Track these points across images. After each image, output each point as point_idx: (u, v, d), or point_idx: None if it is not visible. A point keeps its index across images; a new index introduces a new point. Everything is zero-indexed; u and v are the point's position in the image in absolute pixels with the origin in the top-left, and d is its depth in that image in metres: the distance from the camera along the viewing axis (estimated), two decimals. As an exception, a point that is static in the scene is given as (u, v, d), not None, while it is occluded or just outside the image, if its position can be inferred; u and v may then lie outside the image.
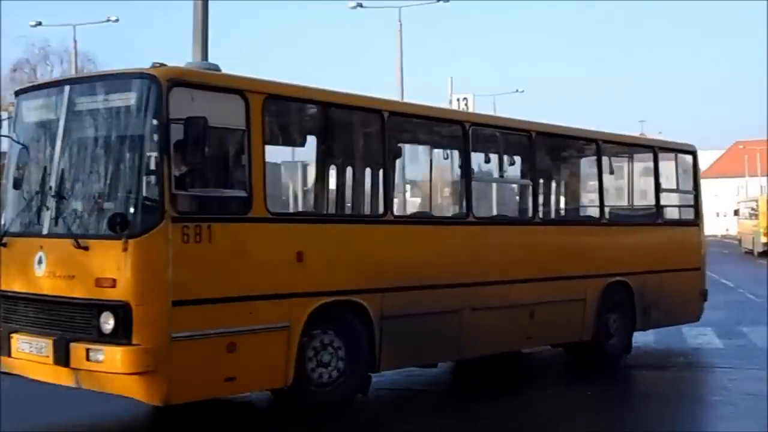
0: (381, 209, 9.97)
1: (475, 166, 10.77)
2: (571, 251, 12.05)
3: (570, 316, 12.05)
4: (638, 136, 14.13)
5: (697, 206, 14.46)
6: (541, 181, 12.78)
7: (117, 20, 41.22)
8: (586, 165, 13.69)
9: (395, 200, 10.61)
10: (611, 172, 13.02)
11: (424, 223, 10.64)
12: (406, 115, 10.40)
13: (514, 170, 12.19)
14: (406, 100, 30.20)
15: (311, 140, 10.94)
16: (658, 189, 13.67)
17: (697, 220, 14.42)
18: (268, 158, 8.71)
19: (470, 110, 33.90)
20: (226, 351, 8.18)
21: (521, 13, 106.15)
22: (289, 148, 10.64)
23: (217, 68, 8.76)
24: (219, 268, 8.16)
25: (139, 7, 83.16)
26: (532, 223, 11.65)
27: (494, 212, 13.42)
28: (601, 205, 12.74)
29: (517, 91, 57.08)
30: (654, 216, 13.76)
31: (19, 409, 9.35)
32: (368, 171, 11.21)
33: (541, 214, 12.16)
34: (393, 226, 9.77)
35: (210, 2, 14.05)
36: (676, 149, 14.20)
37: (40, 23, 41.76)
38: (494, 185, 14.13)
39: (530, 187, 11.71)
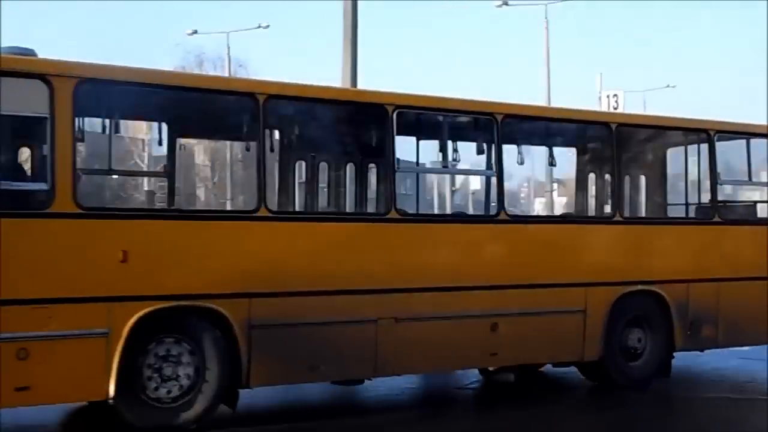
0: (255, 204, 8.81)
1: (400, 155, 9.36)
2: (558, 253, 10.25)
3: (561, 331, 10.23)
4: (680, 118, 11.97)
5: None
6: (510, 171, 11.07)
7: (268, 26, 42.48)
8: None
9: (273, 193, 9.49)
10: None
11: (317, 220, 9.42)
12: (284, 97, 9.07)
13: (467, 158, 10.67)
14: (551, 97, 29.23)
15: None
16: (714, 180, 11.41)
17: None
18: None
19: (620, 109, 31.47)
20: (16, 358, 7.52)
21: (671, 3, 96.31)
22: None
23: (32, 53, 8.11)
24: (10, 268, 7.51)
25: (290, 13, 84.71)
26: (493, 221, 9.97)
27: (441, 208, 11.88)
28: (617, 201, 10.81)
29: (668, 86, 53.75)
30: (706, 213, 11.50)
31: None
32: (236, 160, 10.15)
33: (509, 211, 10.45)
34: (269, 223, 8.64)
35: (359, 5, 14.35)
36: (745, 132, 11.77)
37: (195, 31, 43.24)
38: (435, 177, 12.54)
39: (495, 179, 10.06)
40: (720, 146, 11.43)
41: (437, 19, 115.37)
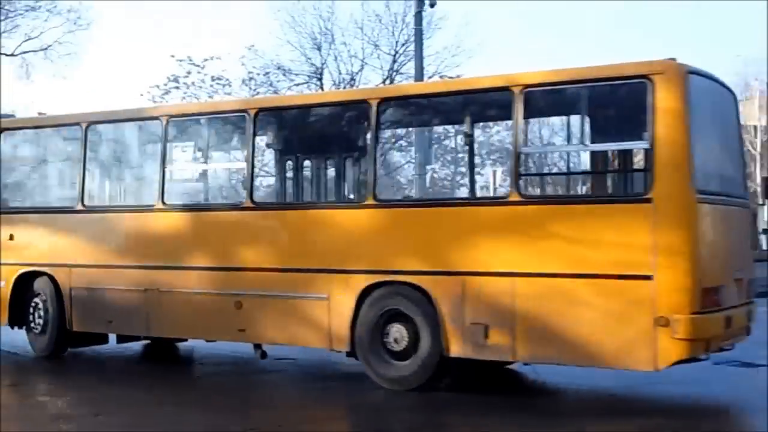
0: (77, 202, 12.00)
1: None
2: (301, 239, 10.27)
3: (306, 316, 10.18)
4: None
5: (654, 168, 8.57)
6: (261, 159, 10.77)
7: None
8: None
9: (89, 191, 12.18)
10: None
11: (112, 211, 11.89)
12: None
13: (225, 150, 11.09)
14: None
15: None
16: (516, 147, 9.24)
17: (648, 194, 8.56)
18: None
19: None
20: None
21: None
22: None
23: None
24: None
25: None
26: (241, 209, 10.67)
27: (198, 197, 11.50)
28: (369, 184, 9.99)
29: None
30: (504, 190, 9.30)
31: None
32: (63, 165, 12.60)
33: (257, 198, 10.66)
34: (82, 215, 11.95)
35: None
36: (611, 78, 8.95)
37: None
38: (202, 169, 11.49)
39: (246, 169, 10.71)
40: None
41: None
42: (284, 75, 30.78)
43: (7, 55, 37.90)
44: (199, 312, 10.91)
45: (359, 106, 10.30)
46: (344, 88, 28.92)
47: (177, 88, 30.96)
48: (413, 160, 18.91)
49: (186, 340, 12.78)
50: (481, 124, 13.63)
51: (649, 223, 8.42)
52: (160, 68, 69.27)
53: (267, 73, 30.67)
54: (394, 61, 30.44)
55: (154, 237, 11.30)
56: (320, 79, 30.65)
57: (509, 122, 9.41)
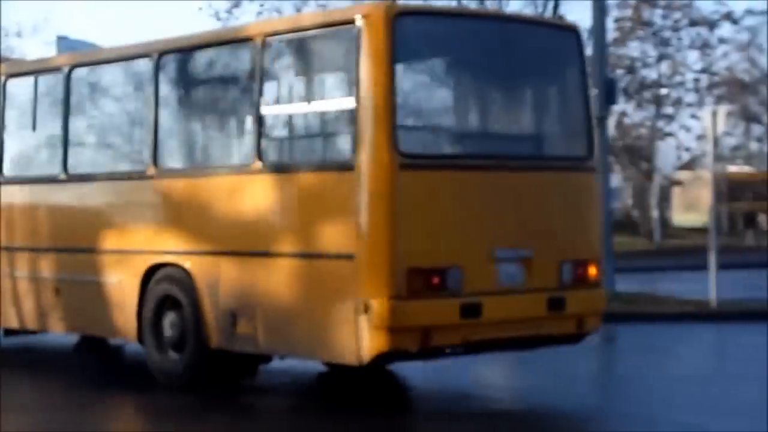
0: None
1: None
2: (98, 217, 9.29)
3: (107, 305, 9.20)
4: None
5: (355, 130, 7.22)
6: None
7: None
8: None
9: None
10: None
11: None
12: None
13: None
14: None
15: None
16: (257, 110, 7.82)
17: (351, 161, 7.24)
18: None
19: None
20: None
21: None
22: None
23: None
24: None
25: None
26: (55, 182, 9.72)
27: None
28: (154, 151, 8.77)
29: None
30: (244, 157, 7.87)
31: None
32: None
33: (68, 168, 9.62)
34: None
35: None
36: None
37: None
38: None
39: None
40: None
41: None
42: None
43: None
44: (24, 299, 10.11)
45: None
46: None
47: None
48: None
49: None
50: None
51: (353, 195, 7.12)
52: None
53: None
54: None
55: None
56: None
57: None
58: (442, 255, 7.18)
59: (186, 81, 9.04)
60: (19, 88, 10.34)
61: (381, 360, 7.24)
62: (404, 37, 7.16)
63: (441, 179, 7.29)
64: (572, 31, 8.19)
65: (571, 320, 7.89)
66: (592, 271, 8.00)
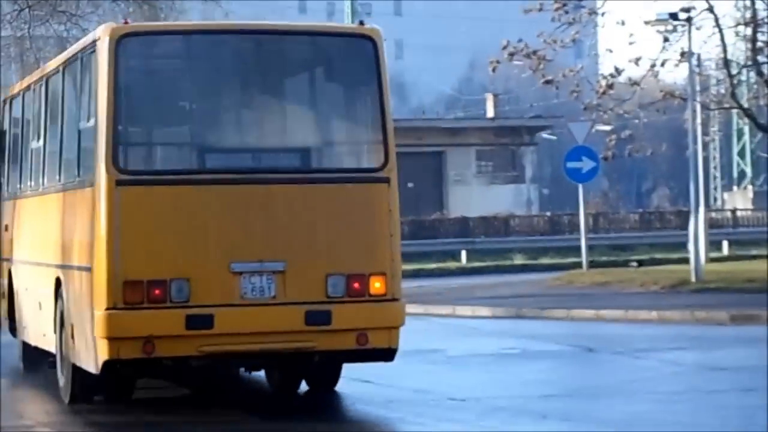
0: None
1: None
2: None
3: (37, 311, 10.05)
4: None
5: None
6: None
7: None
8: None
9: None
10: None
11: None
12: None
13: None
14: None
15: None
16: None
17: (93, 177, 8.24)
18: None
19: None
20: None
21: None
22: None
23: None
24: None
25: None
26: None
27: None
28: None
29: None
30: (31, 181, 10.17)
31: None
32: None
33: None
34: None
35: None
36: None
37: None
38: None
39: None
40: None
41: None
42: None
43: None
44: None
45: None
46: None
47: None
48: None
49: None
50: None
51: (92, 209, 7.82)
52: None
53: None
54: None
55: None
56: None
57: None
58: (167, 268, 7.62)
59: None
60: None
61: (113, 369, 7.62)
62: (130, 57, 7.57)
63: (166, 195, 7.70)
64: (367, 38, 8.19)
65: (346, 335, 7.98)
66: (377, 284, 8.01)
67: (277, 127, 8.38)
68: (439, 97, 67.95)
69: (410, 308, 17.86)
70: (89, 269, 7.65)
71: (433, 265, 29.50)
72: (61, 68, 8.73)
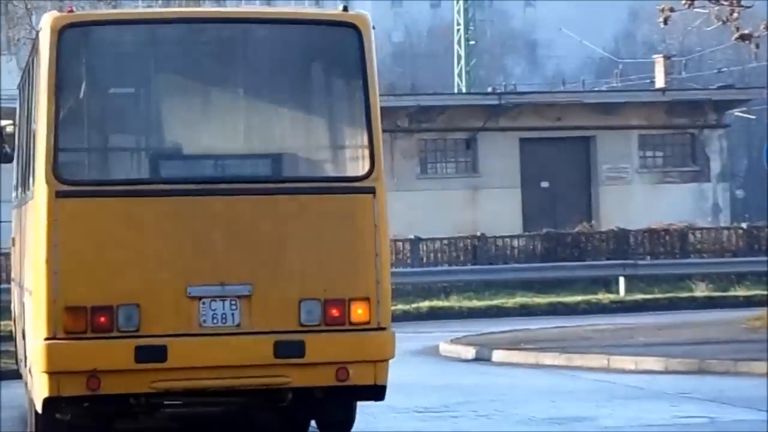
0: None
1: None
2: None
3: None
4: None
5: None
6: None
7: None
8: None
9: None
10: None
11: None
12: None
13: None
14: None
15: None
16: None
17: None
18: None
19: None
20: None
21: None
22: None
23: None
24: None
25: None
26: None
27: None
28: None
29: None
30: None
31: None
32: None
33: None
34: None
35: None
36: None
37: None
38: None
39: None
40: None
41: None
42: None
43: None
44: None
45: None
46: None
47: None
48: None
49: None
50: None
51: (34, 224, 8.48)
52: None
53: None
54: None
55: None
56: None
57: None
58: (113, 292, 8.23)
59: None
60: None
61: (57, 408, 8.21)
62: (73, 51, 7.97)
63: (114, 208, 8.28)
64: (351, 25, 8.75)
65: (323, 369, 8.68)
66: (359, 311, 8.75)
67: (243, 131, 9.06)
68: (587, 62, 68.12)
69: (547, 359, 18.66)
70: (30, 292, 8.47)
71: (579, 298, 29.35)
72: (26, 64, 9.62)
